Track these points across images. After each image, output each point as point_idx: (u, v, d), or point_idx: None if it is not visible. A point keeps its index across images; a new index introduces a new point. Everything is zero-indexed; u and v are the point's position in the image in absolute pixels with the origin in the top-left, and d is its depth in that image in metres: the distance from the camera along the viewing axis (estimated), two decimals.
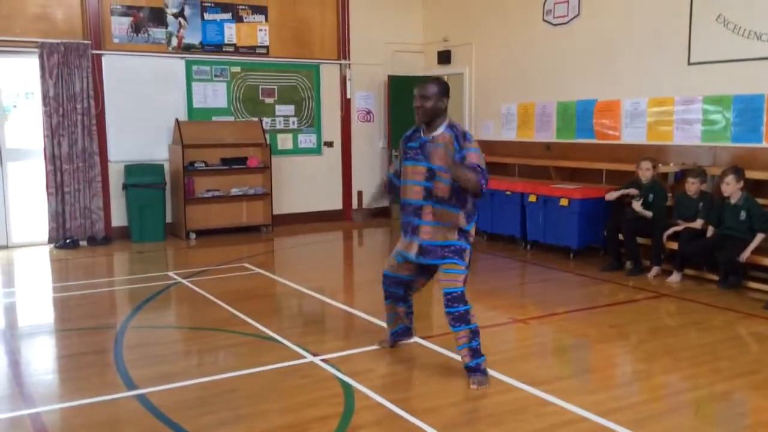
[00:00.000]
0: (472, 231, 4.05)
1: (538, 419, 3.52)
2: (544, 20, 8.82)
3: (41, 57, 8.33)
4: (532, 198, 7.89)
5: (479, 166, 3.81)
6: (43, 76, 8.36)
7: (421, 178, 3.98)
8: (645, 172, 6.86)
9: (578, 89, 8.40)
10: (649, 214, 6.78)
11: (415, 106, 3.98)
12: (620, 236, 6.92)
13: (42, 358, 4.82)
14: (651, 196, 6.83)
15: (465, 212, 3.98)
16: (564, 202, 7.49)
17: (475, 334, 3.96)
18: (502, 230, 8.40)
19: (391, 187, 4.41)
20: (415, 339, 4.68)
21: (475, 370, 3.95)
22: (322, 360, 4.39)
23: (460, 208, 3.95)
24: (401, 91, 10.46)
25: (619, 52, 7.89)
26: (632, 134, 7.81)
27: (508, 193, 8.23)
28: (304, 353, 4.52)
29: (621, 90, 7.89)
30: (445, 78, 10.56)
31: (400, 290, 4.33)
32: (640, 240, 6.84)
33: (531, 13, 8.98)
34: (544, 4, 8.80)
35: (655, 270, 6.70)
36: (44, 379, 4.34)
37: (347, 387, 3.94)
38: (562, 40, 8.58)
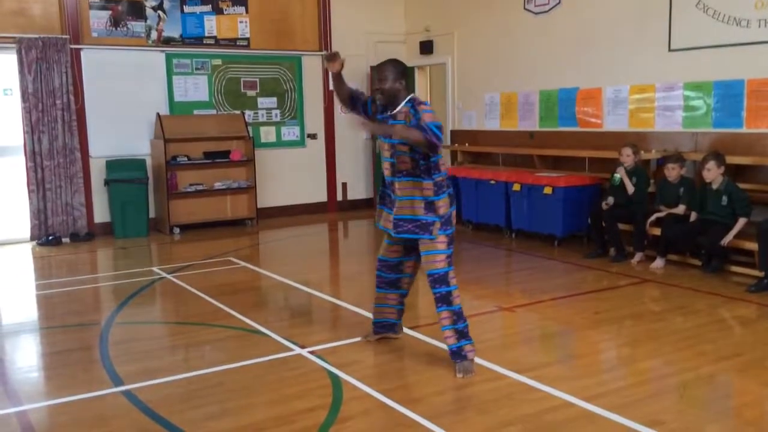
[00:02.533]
0: (442, 203, 3.95)
1: (526, 406, 3.54)
2: (525, 9, 8.83)
3: (19, 52, 8.22)
4: (516, 187, 7.92)
5: (426, 125, 3.77)
6: (21, 72, 8.26)
7: (387, 155, 4.04)
8: (626, 158, 6.90)
9: (560, 77, 8.42)
10: (631, 188, 6.80)
11: (373, 88, 4.05)
12: (603, 223, 6.97)
13: (26, 356, 4.78)
14: (634, 179, 6.87)
15: (433, 184, 3.95)
16: (548, 190, 7.52)
17: (458, 316, 3.96)
18: (486, 219, 8.42)
19: (352, 97, 4.26)
20: (403, 332, 4.68)
21: (458, 354, 3.95)
22: (310, 352, 4.38)
23: (425, 179, 3.93)
24: (380, 65, 10.42)
25: (600, 40, 7.91)
26: (614, 121, 7.85)
27: (492, 182, 8.25)
28: (292, 346, 4.51)
29: (602, 78, 7.92)
30: (420, 63, 10.59)
31: (392, 275, 4.33)
32: (623, 226, 6.89)
33: (512, 2, 8.98)
34: None
35: (638, 256, 6.76)
36: (29, 377, 4.31)
37: (335, 378, 3.95)
38: (544, 29, 8.59)
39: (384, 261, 4.33)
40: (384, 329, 4.52)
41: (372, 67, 10.42)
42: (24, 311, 5.88)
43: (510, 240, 8.10)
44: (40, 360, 4.71)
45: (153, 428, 3.43)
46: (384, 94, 4.00)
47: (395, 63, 4.05)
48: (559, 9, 8.38)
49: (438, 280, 3.94)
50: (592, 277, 6.38)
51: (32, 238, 8.49)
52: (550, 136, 8.65)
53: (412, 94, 4.04)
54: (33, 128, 8.35)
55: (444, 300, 3.95)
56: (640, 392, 3.71)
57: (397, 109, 3.99)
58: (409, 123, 3.89)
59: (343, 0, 10.34)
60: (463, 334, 3.97)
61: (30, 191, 8.42)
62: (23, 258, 7.89)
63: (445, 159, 4.49)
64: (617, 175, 6.91)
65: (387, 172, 4.08)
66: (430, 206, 3.94)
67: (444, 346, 4.12)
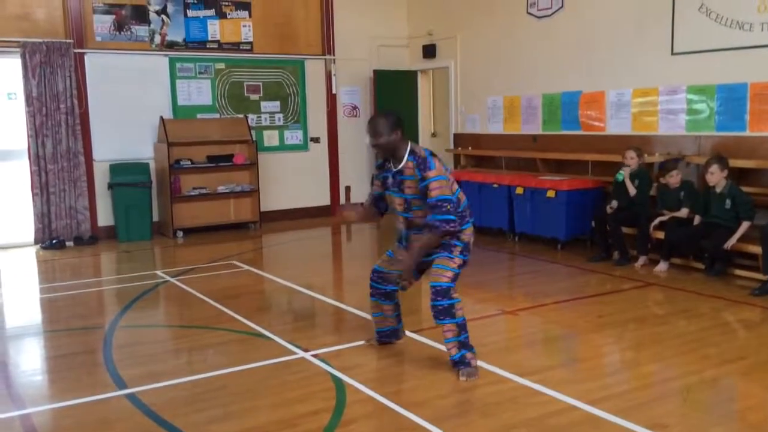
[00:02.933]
0: (467, 231, 4.04)
1: (529, 409, 3.54)
2: (528, 13, 8.84)
3: (23, 57, 8.25)
4: (519, 190, 7.92)
5: (437, 202, 3.82)
6: (25, 76, 8.29)
7: (401, 209, 4.09)
8: (630, 160, 6.90)
9: (563, 81, 8.43)
10: (633, 190, 6.80)
11: (371, 145, 4.09)
12: (607, 227, 6.96)
13: (30, 360, 4.80)
14: (636, 182, 6.87)
15: (455, 221, 3.94)
16: (551, 193, 7.52)
17: (461, 327, 3.96)
18: (489, 223, 8.42)
19: (376, 205, 4.38)
20: (405, 332, 4.68)
21: (460, 362, 3.96)
22: (313, 355, 4.38)
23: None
24: (387, 86, 10.47)
25: (602, 44, 7.92)
26: (617, 125, 7.85)
27: (495, 185, 8.25)
28: (295, 349, 4.52)
29: (605, 81, 7.92)
30: (423, 66, 10.61)
31: (386, 286, 4.32)
32: (626, 230, 6.88)
33: (515, 6, 8.99)
34: None
35: (642, 259, 6.75)
36: (33, 380, 4.32)
37: (338, 382, 3.95)
38: (547, 33, 8.60)
39: (380, 272, 4.31)
40: (387, 337, 4.51)
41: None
42: (28, 314, 5.89)
43: (513, 243, 8.09)
44: (44, 363, 4.71)
45: (157, 431, 3.43)
46: (382, 149, 4.02)
47: (386, 115, 4.01)
48: (562, 13, 8.39)
49: (440, 292, 3.93)
50: (596, 280, 6.37)
51: (36, 242, 8.51)
52: (553, 139, 8.65)
53: (410, 145, 4.00)
54: (37, 132, 8.37)
55: (446, 313, 3.93)
56: (643, 396, 3.70)
57: (402, 163, 3.97)
58: (416, 182, 3.89)
59: (346, 4, 10.36)
60: (465, 345, 3.98)
61: (34, 195, 8.44)
62: (27, 261, 7.91)
63: (448, 164, 4.51)
64: (621, 172, 6.91)
65: (402, 227, 4.13)
66: (454, 235, 3.97)
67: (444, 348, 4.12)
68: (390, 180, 4.08)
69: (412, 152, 3.96)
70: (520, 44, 8.99)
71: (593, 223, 7.17)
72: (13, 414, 3.70)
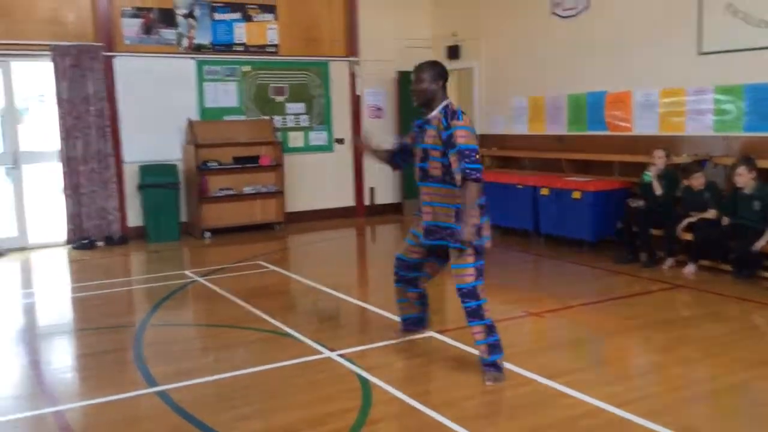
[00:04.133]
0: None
1: (556, 411, 3.54)
2: (552, 13, 8.80)
3: (54, 60, 8.40)
4: (545, 191, 7.89)
5: (465, 150, 3.77)
6: (56, 79, 8.44)
7: (419, 160, 4.06)
8: (658, 160, 6.85)
9: (588, 81, 8.38)
10: (659, 190, 6.74)
11: (411, 89, 4.07)
12: (634, 228, 6.91)
13: (62, 358, 4.90)
14: (664, 182, 6.81)
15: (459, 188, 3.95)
16: (577, 194, 7.49)
17: (490, 329, 3.96)
18: (514, 224, 8.40)
19: (394, 155, 4.40)
20: (431, 333, 4.70)
21: (490, 365, 3.96)
22: (339, 355, 4.42)
23: (455, 186, 3.90)
24: (419, 65, 10.44)
25: (629, 44, 7.86)
26: (644, 125, 7.78)
27: (520, 186, 8.23)
28: (321, 349, 4.55)
29: (632, 81, 7.86)
30: (448, 67, 10.58)
31: (410, 273, 4.35)
32: (653, 231, 6.83)
33: (539, 6, 8.96)
34: None
35: (669, 261, 6.69)
36: (65, 378, 4.41)
37: (364, 381, 3.98)
38: (572, 33, 8.56)
39: (402, 260, 4.34)
40: (412, 325, 4.54)
41: (401, 72, 10.47)
42: (60, 313, 6.00)
43: (538, 245, 8.06)
44: (75, 361, 4.81)
45: (186, 428, 3.49)
46: (419, 95, 4.01)
47: (433, 64, 4.08)
48: (588, 13, 8.34)
49: (467, 294, 3.93)
50: (623, 282, 6.33)
51: (68, 242, 8.66)
52: (578, 140, 8.60)
53: (448, 100, 4.02)
54: (68, 134, 8.52)
55: (475, 315, 3.94)
56: (672, 398, 3.68)
57: (433, 113, 3.98)
58: (439, 133, 3.89)
59: (371, 6, 10.40)
60: (495, 348, 3.96)
61: (66, 196, 8.59)
62: (59, 261, 8.05)
63: None
64: (648, 173, 6.86)
65: (418, 178, 4.11)
66: (460, 214, 3.92)
67: (473, 351, 4.14)
68: (417, 132, 4.09)
69: (445, 106, 3.97)
70: (545, 44, 8.95)
71: (620, 225, 7.12)
72: (45, 411, 3.78)
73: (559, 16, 8.73)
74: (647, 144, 7.43)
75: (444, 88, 4.03)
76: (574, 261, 7.19)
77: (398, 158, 4.41)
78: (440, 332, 4.76)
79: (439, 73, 4.02)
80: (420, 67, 4.05)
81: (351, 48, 10.36)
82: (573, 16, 8.54)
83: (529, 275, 7.00)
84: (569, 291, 6.04)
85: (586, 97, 8.45)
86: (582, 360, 4.42)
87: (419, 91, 4.00)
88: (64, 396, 4.05)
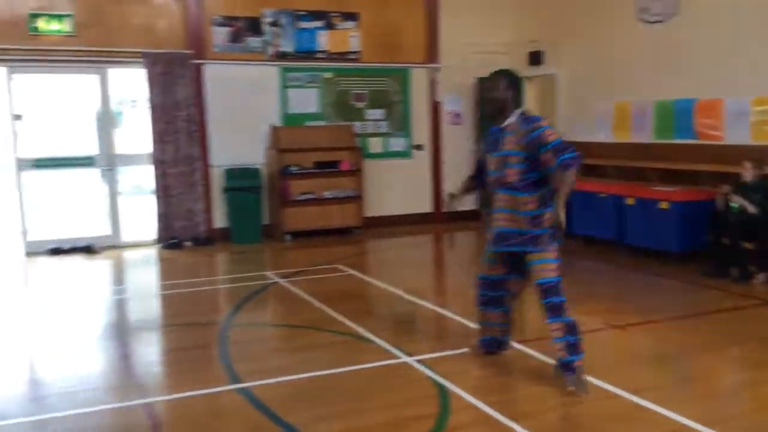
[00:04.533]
0: (546, 216, 3.92)
1: (640, 427, 3.44)
2: (638, 18, 8.57)
3: (147, 67, 8.78)
4: (630, 200, 7.68)
5: (559, 145, 3.81)
6: (149, 85, 8.82)
7: (495, 167, 4.05)
8: (747, 172, 6.56)
9: (676, 88, 8.10)
10: (752, 208, 6.45)
11: (482, 98, 4.12)
12: (724, 240, 6.63)
13: (150, 352, 5.12)
14: (758, 196, 6.51)
15: (538, 196, 3.93)
16: (664, 204, 7.25)
17: (571, 328, 3.88)
18: (597, 233, 8.21)
19: (477, 177, 4.40)
20: (511, 347, 4.63)
21: (569, 368, 3.87)
22: (417, 360, 4.43)
23: (531, 193, 3.92)
24: (491, 74, 10.37)
25: (719, 50, 7.56)
26: (736, 134, 7.46)
27: (603, 195, 8.04)
28: (399, 353, 4.58)
29: (722, 89, 7.56)
30: (517, 74, 10.45)
31: (494, 292, 4.29)
32: (745, 244, 6.53)
33: (624, 11, 8.74)
34: (638, 1, 8.54)
35: (762, 276, 6.39)
36: (153, 371, 4.61)
37: (442, 388, 3.97)
38: (659, 38, 8.30)
39: (485, 279, 4.28)
40: (491, 347, 4.47)
41: (480, 78, 10.42)
42: (148, 309, 6.27)
43: (622, 255, 7.84)
44: (162, 356, 5.02)
45: (267, 426, 3.58)
46: (491, 103, 4.06)
47: (505, 73, 4.14)
48: (677, 18, 8.07)
49: (548, 290, 3.89)
50: (711, 297, 6.08)
51: (158, 241, 9.02)
52: (665, 148, 8.33)
53: (522, 108, 4.05)
54: (159, 138, 8.89)
55: (556, 310, 3.88)
56: (764, 419, 3.51)
57: (507, 122, 4.01)
58: (521, 140, 3.89)
59: (452, 12, 10.39)
60: (575, 348, 3.89)
61: (157, 197, 8.96)
62: (149, 259, 8.41)
63: None
64: (734, 204, 6.56)
65: (493, 185, 4.10)
66: (536, 219, 3.91)
67: (553, 362, 4.06)
68: (492, 141, 4.10)
69: (521, 113, 4.01)
70: (630, 50, 8.72)
71: (709, 236, 6.85)
72: (135, 402, 3.95)
73: (646, 21, 8.49)
74: (739, 153, 7.12)
75: (515, 97, 4.05)
76: (659, 273, 6.96)
77: (481, 179, 4.36)
78: (520, 342, 4.70)
79: (512, 82, 4.07)
80: (492, 76, 4.13)
81: (431, 54, 10.39)
82: (660, 21, 8.29)
83: (611, 286, 6.81)
84: (653, 304, 5.85)
85: (674, 104, 8.18)
86: (668, 376, 4.27)
87: (492, 100, 4.05)
88: (152, 388, 4.23)
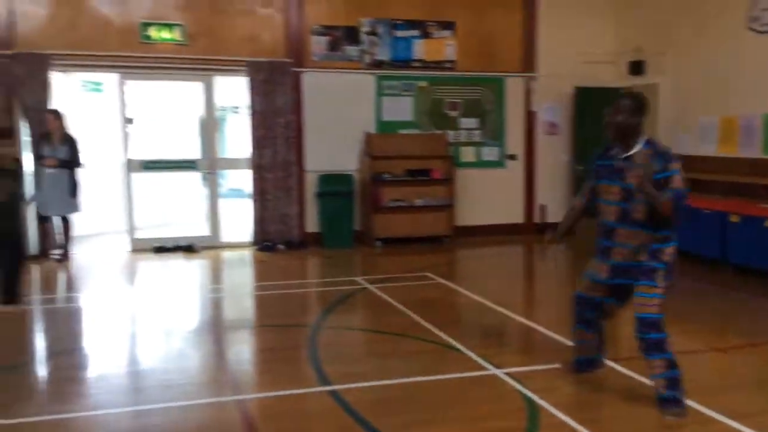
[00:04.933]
0: (669, 250, 3.78)
1: None
2: (748, 27, 8.16)
3: (249, 75, 9.11)
4: (734, 218, 7.32)
5: (681, 194, 3.63)
6: (251, 93, 9.14)
7: (615, 199, 3.82)
8: None
9: None
10: None
11: (605, 121, 3.81)
12: None
13: (243, 350, 5.29)
14: None
15: (661, 233, 3.76)
16: None
17: (672, 363, 3.73)
18: (698, 250, 7.85)
19: (589, 204, 4.16)
20: (605, 365, 4.50)
21: (670, 401, 3.72)
22: (506, 373, 4.38)
23: (655, 230, 3.74)
24: (589, 104, 10.16)
25: None
26: None
27: (706, 211, 7.69)
28: (487, 365, 4.54)
29: None
30: (634, 88, 10.13)
31: (592, 313, 4.14)
32: None
33: (733, 20, 8.33)
34: (749, 10, 8.13)
35: None
36: (245, 369, 4.78)
37: (531, 402, 3.91)
38: None
39: (583, 298, 4.14)
40: (586, 366, 4.35)
41: (577, 88, 10.20)
42: (242, 309, 6.50)
43: (725, 274, 7.47)
44: (255, 355, 5.18)
45: (355, 429, 3.63)
46: (615, 128, 3.77)
47: (633, 97, 3.81)
48: None
49: (650, 325, 3.72)
50: None
51: (253, 243, 9.32)
52: None
53: (648, 136, 3.80)
54: (258, 143, 9.19)
55: (657, 347, 3.72)
56: None
57: (633, 150, 3.76)
58: (650, 175, 3.64)
59: (551, 20, 10.23)
60: (675, 383, 3.73)
61: (254, 200, 9.27)
62: (244, 261, 8.70)
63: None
64: None
65: (611, 217, 3.85)
66: (656, 253, 3.76)
67: (648, 381, 3.92)
68: (609, 168, 3.84)
69: (649, 142, 3.77)
70: (739, 60, 8.30)
71: None
72: (229, 398, 4.10)
73: (757, 31, 8.07)
74: None
75: (642, 123, 3.77)
76: (765, 294, 6.58)
77: (591, 207, 4.15)
78: (613, 360, 4.56)
79: (640, 106, 3.76)
80: (619, 99, 3.80)
81: (528, 63, 10.27)
82: None
83: (712, 306, 6.50)
84: (758, 326, 5.55)
85: None
86: None
87: (615, 124, 3.75)
88: (244, 386, 4.38)
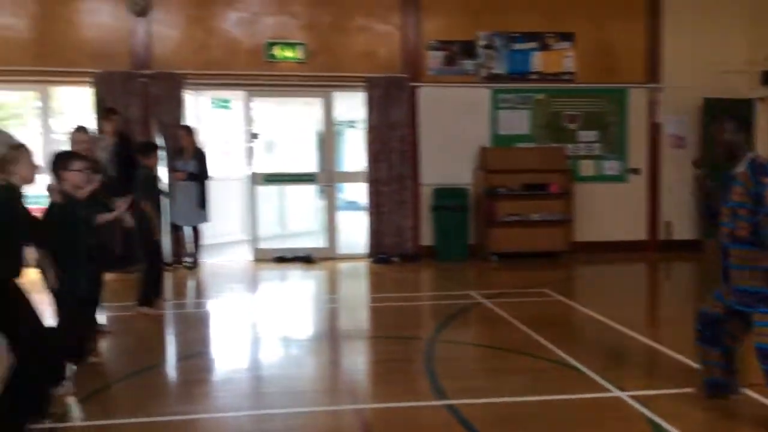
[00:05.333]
0: None
1: None
2: None
3: (367, 90, 9.30)
4: None
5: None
6: (368, 108, 9.33)
7: (725, 219, 3.79)
8: None
9: None
10: None
11: (714, 141, 3.90)
12: None
13: (358, 360, 5.37)
14: None
15: None
16: None
17: None
18: None
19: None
20: (741, 391, 4.22)
21: None
22: (630, 396, 4.19)
23: (762, 247, 3.57)
24: (719, 115, 9.61)
25: None
26: None
27: None
28: (609, 386, 4.37)
29: None
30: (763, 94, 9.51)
31: (712, 329, 3.97)
32: None
33: None
34: None
35: None
36: (360, 379, 4.85)
37: (658, 428, 3.72)
38: None
39: (705, 315, 4.00)
40: (715, 389, 4.09)
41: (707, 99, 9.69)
42: (357, 320, 6.60)
43: None
44: (370, 365, 5.25)
45: None
46: (721, 147, 3.84)
47: (733, 116, 3.95)
48: None
49: (766, 356, 3.55)
50: None
51: (369, 256, 9.47)
52: None
53: (753, 153, 3.78)
54: (375, 157, 9.35)
55: None
56: None
57: (739, 169, 3.74)
58: (747, 190, 3.64)
59: (677, 28, 9.79)
60: None
61: (370, 213, 9.43)
62: (360, 272, 8.86)
63: None
64: None
65: (724, 239, 3.83)
66: None
67: None
68: (725, 186, 3.83)
69: (752, 160, 3.72)
70: None
71: None
72: (346, 407, 4.18)
73: None
74: None
75: (746, 141, 3.81)
76: None
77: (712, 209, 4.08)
78: (747, 386, 4.27)
79: (741, 124, 3.84)
80: (720, 119, 3.90)
81: (652, 74, 9.87)
82: None
83: None
84: None
85: None
86: None
87: (719, 143, 3.84)
88: (361, 395, 4.44)
